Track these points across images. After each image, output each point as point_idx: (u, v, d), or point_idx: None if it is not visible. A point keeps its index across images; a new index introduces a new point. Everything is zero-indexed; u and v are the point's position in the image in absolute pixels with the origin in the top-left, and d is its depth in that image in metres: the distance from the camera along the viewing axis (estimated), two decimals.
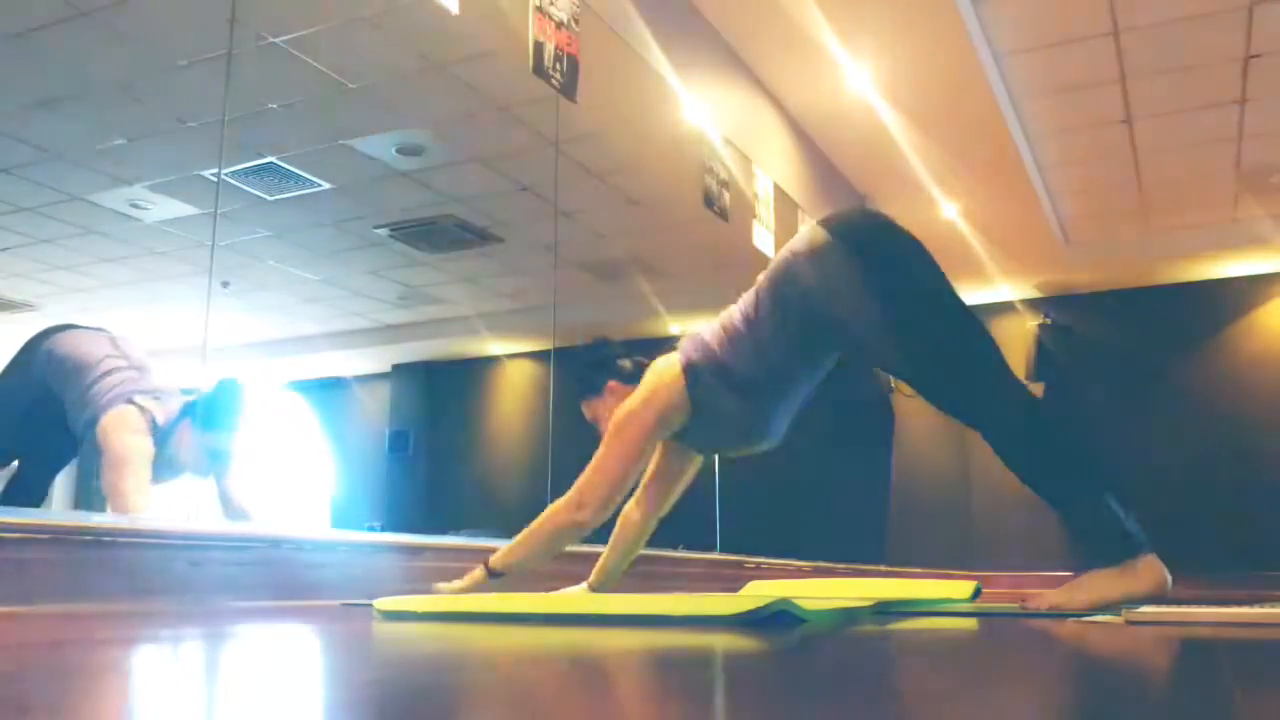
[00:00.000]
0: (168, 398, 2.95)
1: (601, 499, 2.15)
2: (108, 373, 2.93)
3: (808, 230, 2.21)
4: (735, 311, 2.22)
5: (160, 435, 2.87)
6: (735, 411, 2.19)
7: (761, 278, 2.22)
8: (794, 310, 2.14)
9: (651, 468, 2.40)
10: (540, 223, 6.18)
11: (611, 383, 2.33)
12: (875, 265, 2.11)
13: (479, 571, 2.21)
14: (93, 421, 2.85)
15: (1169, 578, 1.97)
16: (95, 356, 2.96)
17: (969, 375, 2.16)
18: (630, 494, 2.34)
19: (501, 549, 2.24)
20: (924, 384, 2.18)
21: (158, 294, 7.45)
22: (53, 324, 3.16)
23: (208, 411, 2.93)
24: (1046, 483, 2.09)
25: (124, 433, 2.81)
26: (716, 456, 2.91)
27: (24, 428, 3.06)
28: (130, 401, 2.87)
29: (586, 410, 2.38)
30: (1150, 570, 1.95)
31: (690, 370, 2.18)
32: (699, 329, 2.26)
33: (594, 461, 2.18)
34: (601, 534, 2.36)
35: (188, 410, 2.93)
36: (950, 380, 2.16)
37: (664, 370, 2.21)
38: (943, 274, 2.20)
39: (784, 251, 2.20)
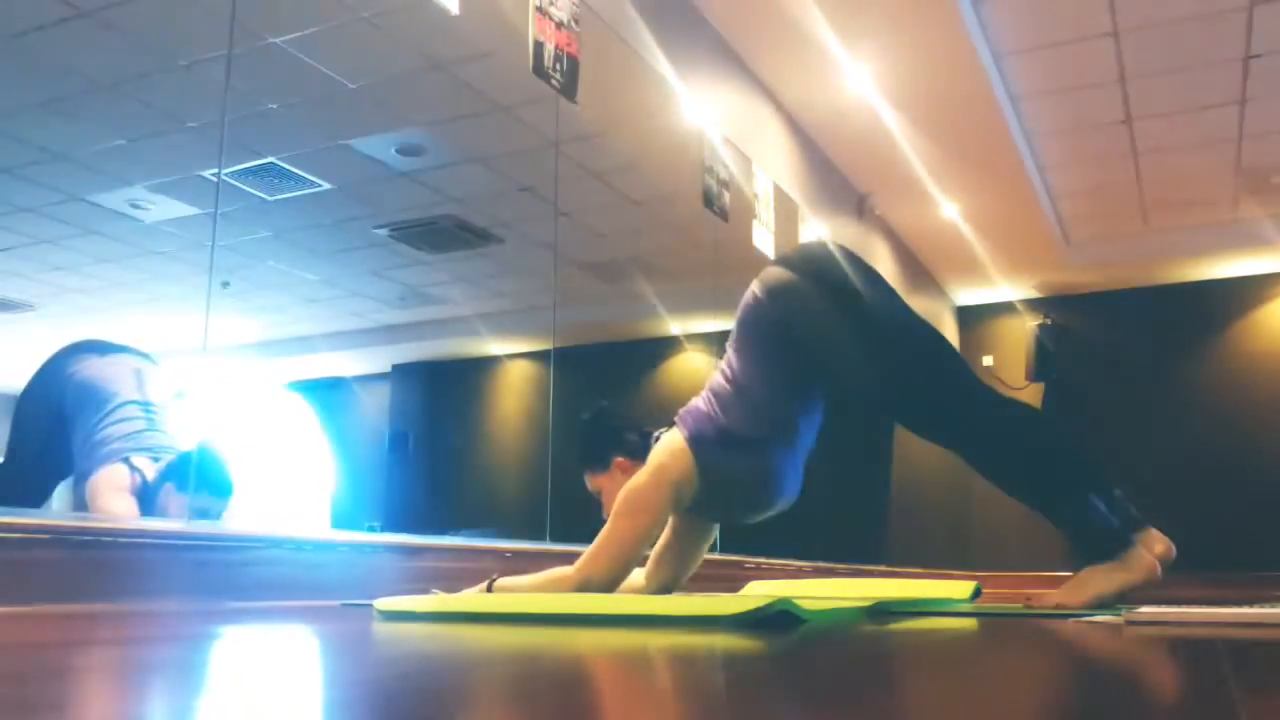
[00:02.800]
0: (164, 455, 2.89)
1: (607, 578, 2.12)
2: (120, 420, 2.87)
3: (763, 273, 2.25)
4: (718, 376, 2.24)
5: (147, 493, 2.82)
6: (746, 473, 2.19)
7: (731, 335, 2.26)
8: (770, 352, 2.17)
9: (663, 542, 2.38)
10: (540, 223, 6.18)
11: (619, 459, 2.27)
12: (835, 293, 2.16)
13: (481, 587, 2.22)
14: (87, 475, 2.81)
15: (1164, 555, 2.05)
16: (116, 397, 2.90)
17: (941, 394, 2.19)
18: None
19: (511, 579, 2.23)
20: (897, 407, 2.24)
21: (158, 294, 7.45)
22: (81, 339, 3.08)
23: (193, 475, 2.85)
24: (1028, 493, 2.16)
25: (109, 494, 2.76)
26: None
27: (44, 456, 2.99)
28: (125, 460, 2.82)
29: (590, 482, 2.33)
30: (1142, 559, 2.03)
31: (694, 440, 2.17)
32: (692, 401, 2.26)
33: (601, 539, 2.14)
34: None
35: (169, 473, 2.85)
36: (923, 400, 2.19)
37: (669, 444, 2.19)
38: (900, 298, 2.27)
39: (745, 298, 2.24)
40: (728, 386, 2.21)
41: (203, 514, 2.86)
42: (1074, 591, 2.06)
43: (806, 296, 2.16)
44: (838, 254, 2.29)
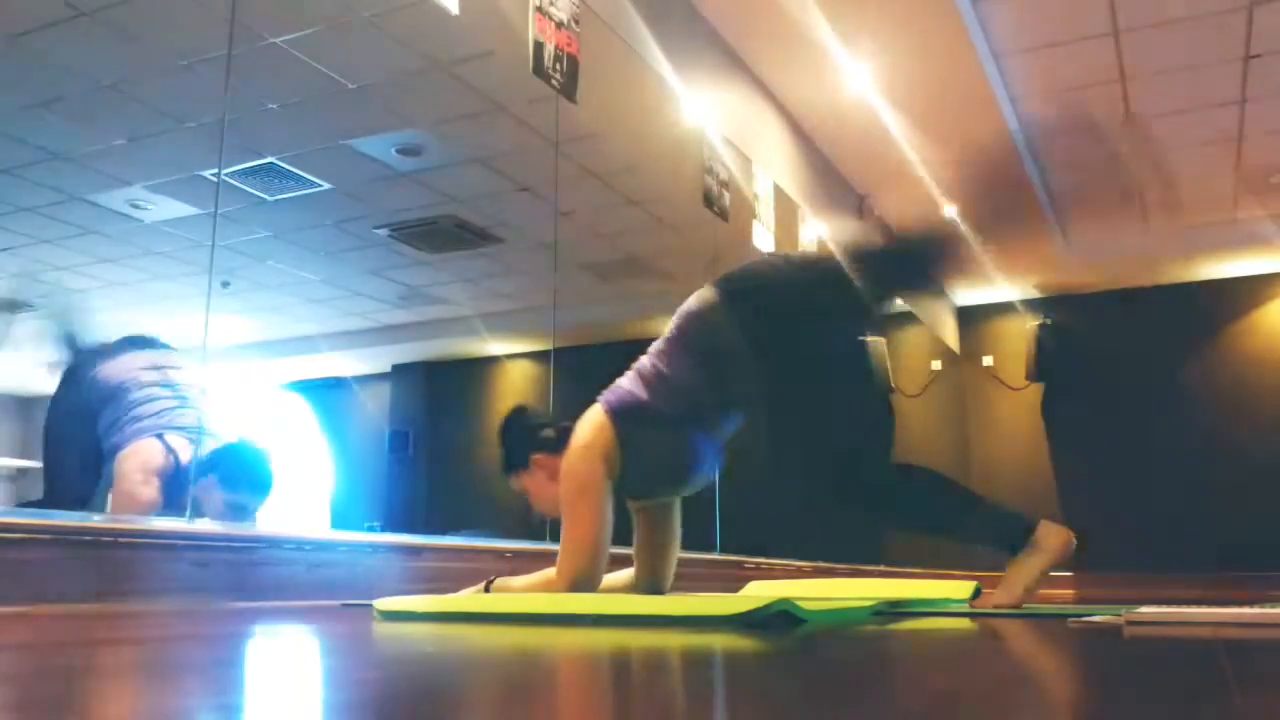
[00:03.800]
0: (202, 438, 2.84)
1: (591, 567, 2.15)
2: (152, 399, 2.84)
3: (706, 287, 2.32)
4: (647, 360, 2.29)
5: (180, 477, 2.76)
6: (663, 445, 2.24)
7: (668, 329, 2.31)
8: (701, 358, 2.24)
9: (635, 542, 2.43)
10: (540, 223, 6.18)
11: (537, 455, 2.30)
12: (748, 323, 2.23)
13: (479, 588, 2.25)
14: (118, 449, 2.77)
15: (1067, 540, 2.26)
16: (138, 379, 2.88)
17: (821, 445, 2.31)
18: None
19: (509, 579, 2.25)
20: (781, 445, 2.32)
21: (158, 294, 7.45)
22: (95, 344, 3.08)
23: (236, 473, 2.80)
24: (918, 527, 2.45)
25: (137, 476, 2.71)
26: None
27: (86, 466, 2.92)
28: (159, 436, 2.77)
29: (514, 484, 2.36)
30: (1049, 538, 2.25)
31: (614, 412, 2.22)
32: (616, 381, 2.32)
33: (566, 533, 2.17)
34: None
35: (212, 465, 2.78)
36: (799, 445, 2.32)
37: (590, 420, 2.24)
38: (826, 335, 2.32)
39: (691, 300, 2.31)
40: (654, 370, 2.26)
41: (240, 510, 2.81)
42: (1007, 590, 2.28)
43: (720, 328, 2.23)
44: (768, 280, 2.33)
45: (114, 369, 2.95)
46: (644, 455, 2.22)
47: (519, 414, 2.40)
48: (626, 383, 2.29)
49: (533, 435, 2.32)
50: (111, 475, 2.77)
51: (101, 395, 2.90)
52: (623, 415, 2.22)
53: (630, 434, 2.21)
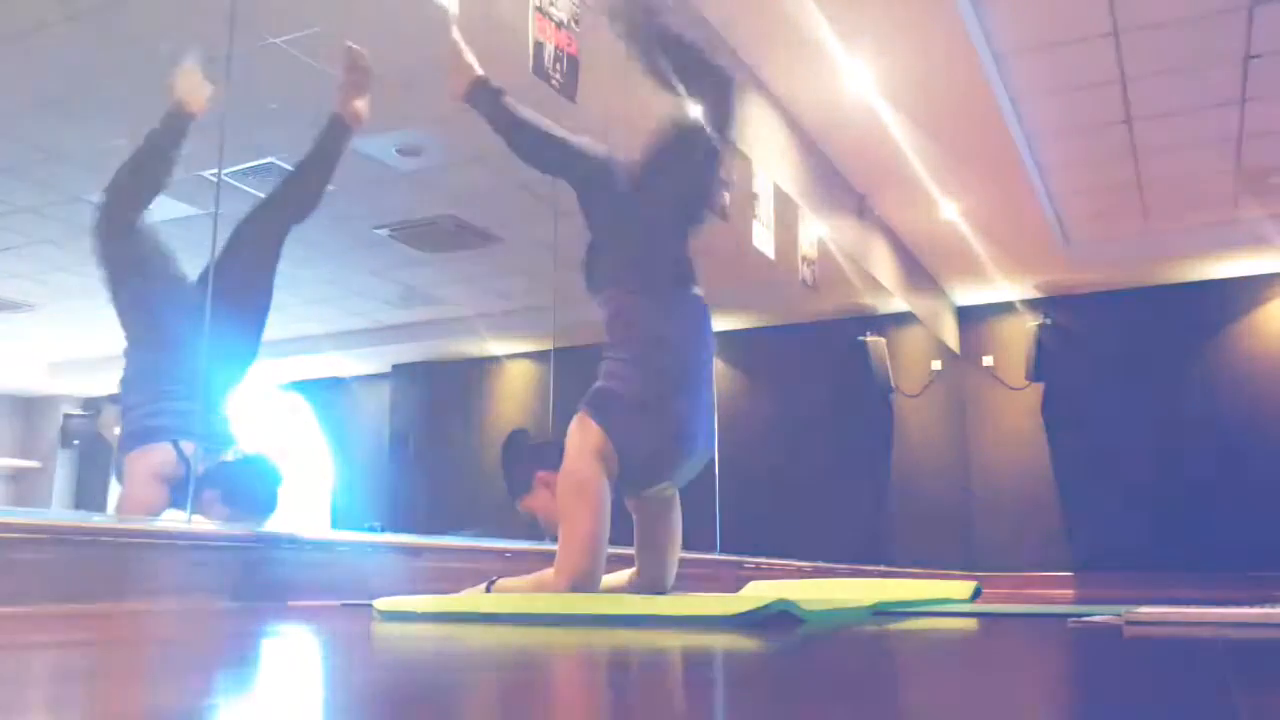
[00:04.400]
0: (216, 446, 2.80)
1: (587, 570, 2.16)
2: (170, 397, 2.80)
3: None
4: (602, 363, 2.39)
5: (185, 485, 2.71)
6: (652, 428, 2.27)
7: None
8: (621, 312, 2.40)
9: (636, 541, 2.45)
10: (540, 223, 6.17)
11: (540, 473, 2.34)
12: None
13: (480, 588, 2.26)
14: (130, 447, 2.74)
15: None
16: (175, 372, 2.84)
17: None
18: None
19: (511, 580, 2.26)
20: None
21: None
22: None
23: (237, 492, 2.74)
24: None
25: (143, 479, 2.69)
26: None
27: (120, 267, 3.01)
28: (172, 442, 2.73)
29: (523, 507, 2.39)
30: None
31: (596, 410, 2.27)
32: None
33: (564, 535, 2.18)
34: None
35: (215, 480, 2.74)
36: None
37: (575, 426, 2.28)
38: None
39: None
40: (608, 361, 2.34)
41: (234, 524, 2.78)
42: None
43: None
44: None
45: (172, 359, 2.91)
46: (635, 436, 2.25)
47: (516, 437, 2.45)
48: (598, 383, 2.34)
49: (533, 455, 2.36)
50: (120, 468, 2.76)
51: (144, 356, 2.91)
52: (601, 409, 2.26)
53: (614, 422, 2.24)
